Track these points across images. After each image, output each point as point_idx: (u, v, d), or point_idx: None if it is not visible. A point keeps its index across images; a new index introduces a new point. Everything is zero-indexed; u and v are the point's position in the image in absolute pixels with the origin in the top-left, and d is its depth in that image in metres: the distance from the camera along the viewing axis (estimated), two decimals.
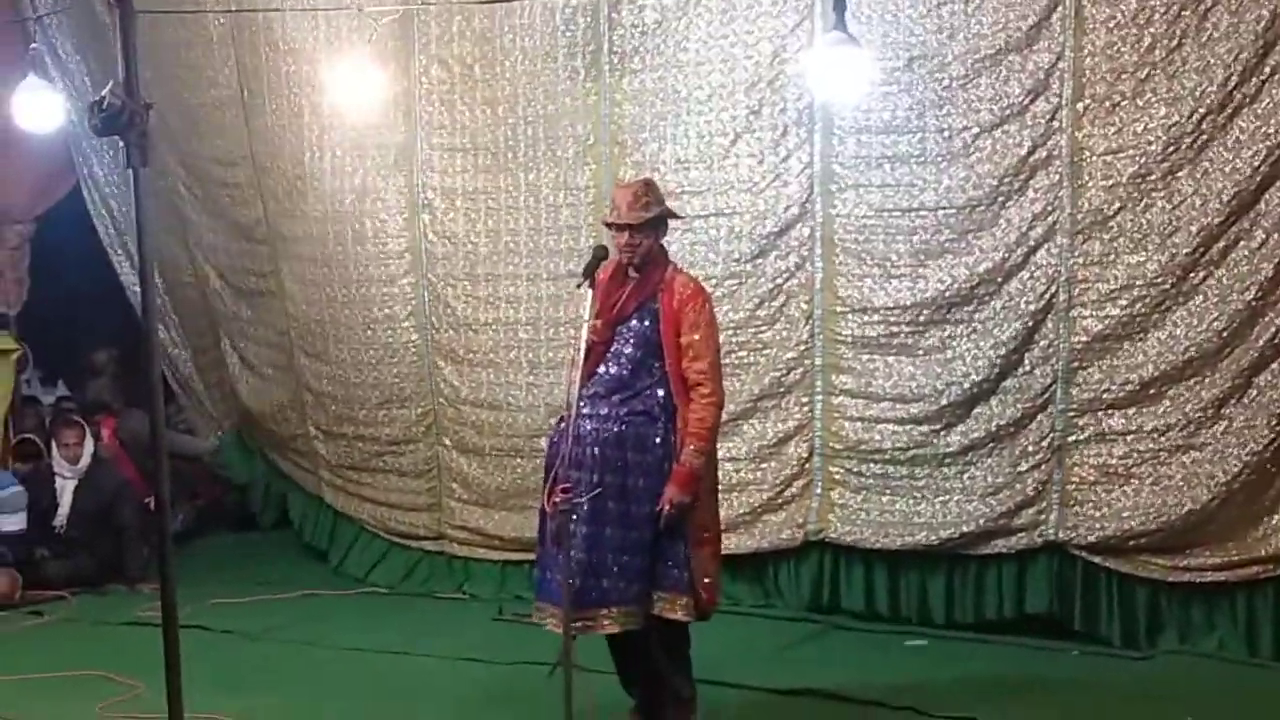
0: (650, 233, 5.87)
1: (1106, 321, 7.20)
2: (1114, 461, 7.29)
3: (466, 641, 7.77)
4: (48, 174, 10.73)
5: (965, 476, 7.60)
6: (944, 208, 7.45)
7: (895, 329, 7.62)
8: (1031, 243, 7.30)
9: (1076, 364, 7.30)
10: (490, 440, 8.80)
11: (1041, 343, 7.36)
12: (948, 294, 7.48)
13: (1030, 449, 7.45)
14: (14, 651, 7.84)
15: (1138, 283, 7.10)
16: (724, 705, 6.52)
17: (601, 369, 5.86)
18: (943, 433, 7.60)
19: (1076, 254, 7.22)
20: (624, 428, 5.77)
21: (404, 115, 8.67)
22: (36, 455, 9.83)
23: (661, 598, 5.79)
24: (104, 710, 6.62)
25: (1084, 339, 7.26)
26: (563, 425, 5.75)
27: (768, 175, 7.80)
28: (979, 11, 7.26)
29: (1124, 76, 7.03)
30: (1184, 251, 6.99)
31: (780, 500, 8.05)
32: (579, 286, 5.79)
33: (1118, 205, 7.11)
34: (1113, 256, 7.16)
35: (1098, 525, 7.33)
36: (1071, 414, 7.35)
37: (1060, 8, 7.11)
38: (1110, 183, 7.12)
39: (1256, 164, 6.83)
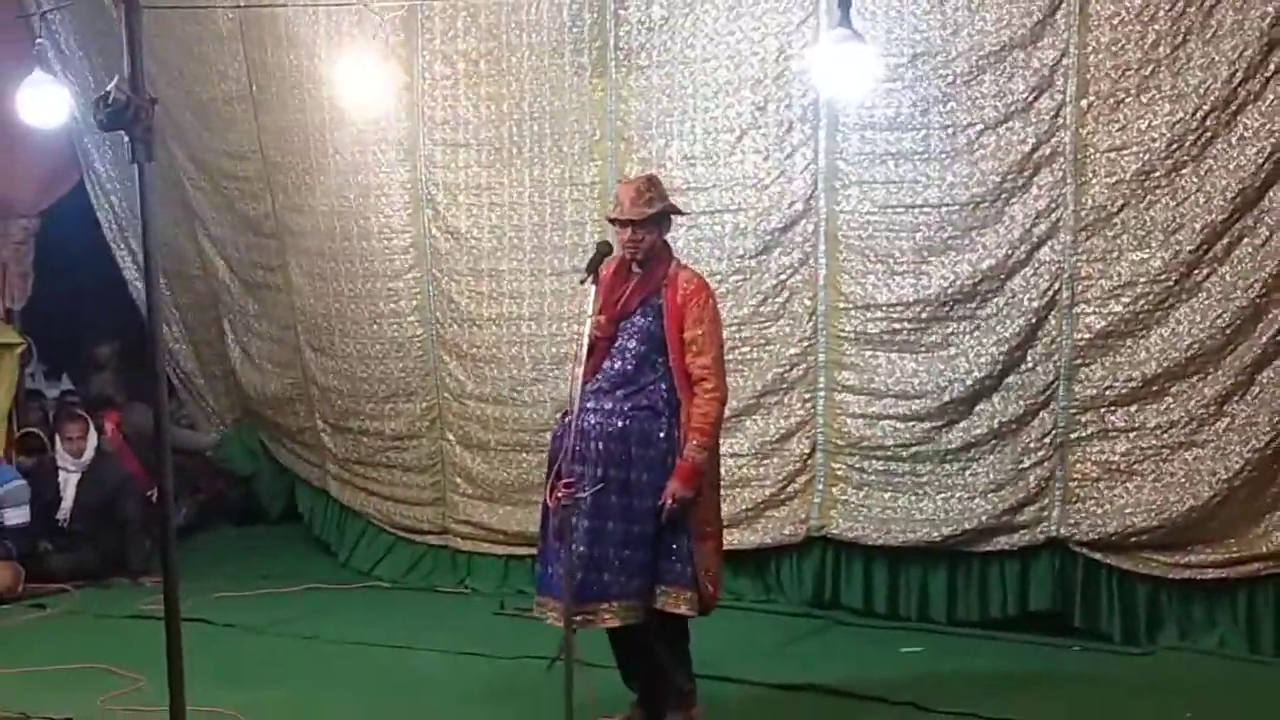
0: (653, 229, 5.87)
1: (1110, 318, 7.19)
2: (1116, 458, 7.29)
3: (468, 635, 7.78)
4: (52, 169, 10.73)
5: (967, 473, 7.60)
6: (948, 204, 7.46)
7: (898, 325, 7.62)
8: (1035, 239, 7.30)
9: (1079, 361, 7.30)
10: (495, 435, 8.82)
11: (1044, 339, 7.36)
12: (951, 291, 7.48)
13: (1033, 446, 7.45)
14: (17, 644, 7.85)
15: (1141, 279, 7.10)
16: (725, 700, 6.52)
17: (606, 364, 5.86)
18: (945, 429, 7.60)
19: (1080, 251, 7.22)
20: (628, 422, 5.78)
21: (407, 111, 8.68)
22: (40, 449, 9.84)
23: (664, 592, 5.79)
24: (106, 703, 6.63)
25: (1087, 336, 7.26)
26: (566, 420, 5.76)
27: (772, 171, 7.81)
28: (983, 8, 7.26)
29: (1128, 73, 7.02)
30: (1188, 248, 6.99)
31: (783, 496, 8.05)
32: (582, 282, 5.80)
33: (1121, 202, 7.11)
34: (1116, 253, 7.16)
35: (1100, 522, 7.33)
36: (1074, 411, 7.35)
37: (1064, 4, 7.11)
38: (1114, 179, 7.11)
39: (1261, 161, 6.82)
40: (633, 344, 5.84)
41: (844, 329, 7.75)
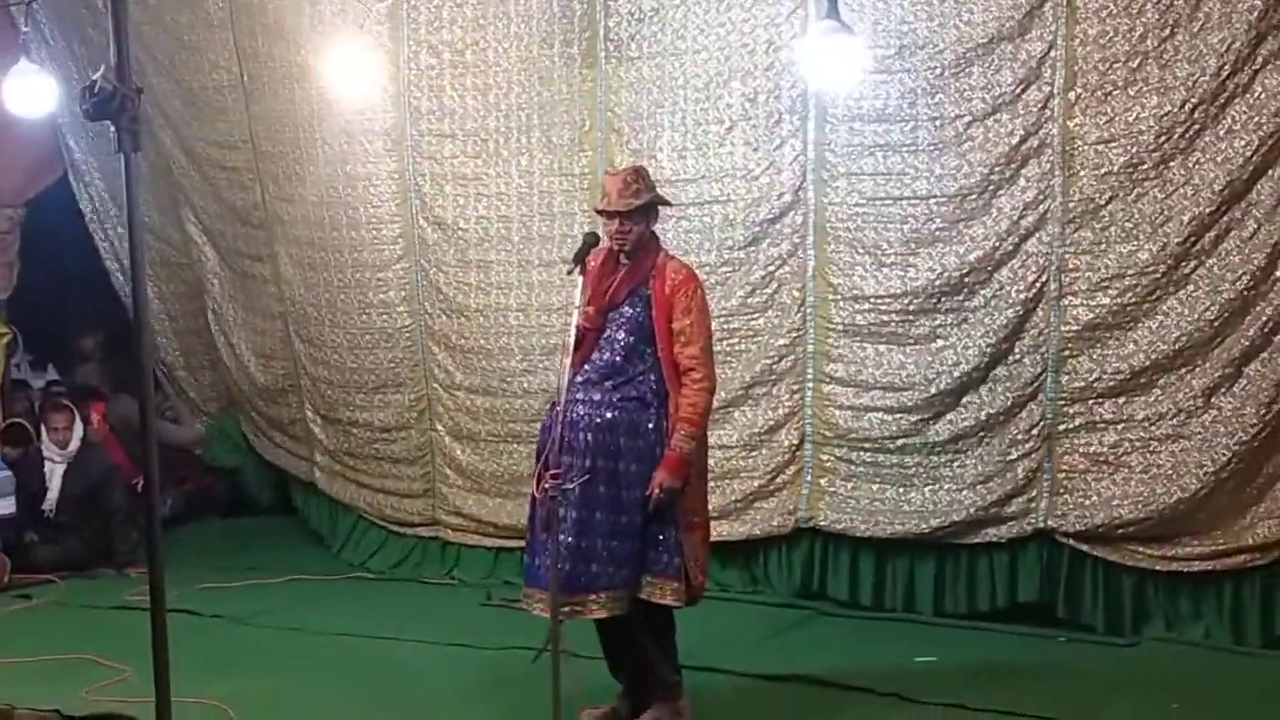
0: (640, 219, 5.87)
1: (1097, 310, 7.20)
2: (1104, 450, 7.30)
3: (455, 627, 7.78)
4: (38, 159, 10.68)
5: (955, 465, 7.61)
6: (935, 196, 7.45)
7: (886, 317, 7.63)
8: (1023, 231, 7.30)
9: (1067, 353, 7.31)
10: (485, 426, 8.81)
11: (1032, 331, 7.36)
12: (938, 282, 7.48)
13: (1020, 437, 7.46)
14: (2, 636, 7.83)
15: (1129, 272, 7.10)
16: (712, 690, 6.54)
17: (594, 355, 5.86)
18: (932, 421, 7.61)
19: (1068, 243, 7.23)
20: (616, 413, 5.78)
21: (394, 101, 8.66)
22: (26, 440, 9.80)
23: (651, 582, 5.80)
24: (91, 694, 6.62)
25: (1075, 328, 7.26)
26: (555, 411, 5.76)
27: (762, 163, 7.80)
28: (971, 0, 7.26)
29: (1116, 65, 7.02)
30: (1175, 241, 7.00)
31: (771, 487, 8.06)
32: (569, 273, 5.81)
33: (1109, 194, 7.11)
34: (1104, 245, 7.16)
35: (1087, 514, 7.34)
36: (1062, 402, 7.36)
37: None
38: (1102, 171, 7.11)
39: (1249, 153, 6.83)
40: (621, 335, 5.84)
41: (832, 320, 7.75)
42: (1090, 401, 7.30)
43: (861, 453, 7.81)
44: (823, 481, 7.94)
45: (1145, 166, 7.02)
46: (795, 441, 7.97)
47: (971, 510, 7.54)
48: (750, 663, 6.97)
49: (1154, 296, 7.08)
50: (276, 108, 9.16)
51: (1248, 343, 6.95)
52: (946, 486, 7.63)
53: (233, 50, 9.26)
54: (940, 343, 7.54)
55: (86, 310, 11.73)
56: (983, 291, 7.42)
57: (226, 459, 11.11)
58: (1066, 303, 7.26)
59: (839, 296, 7.72)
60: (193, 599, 8.12)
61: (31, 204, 10.82)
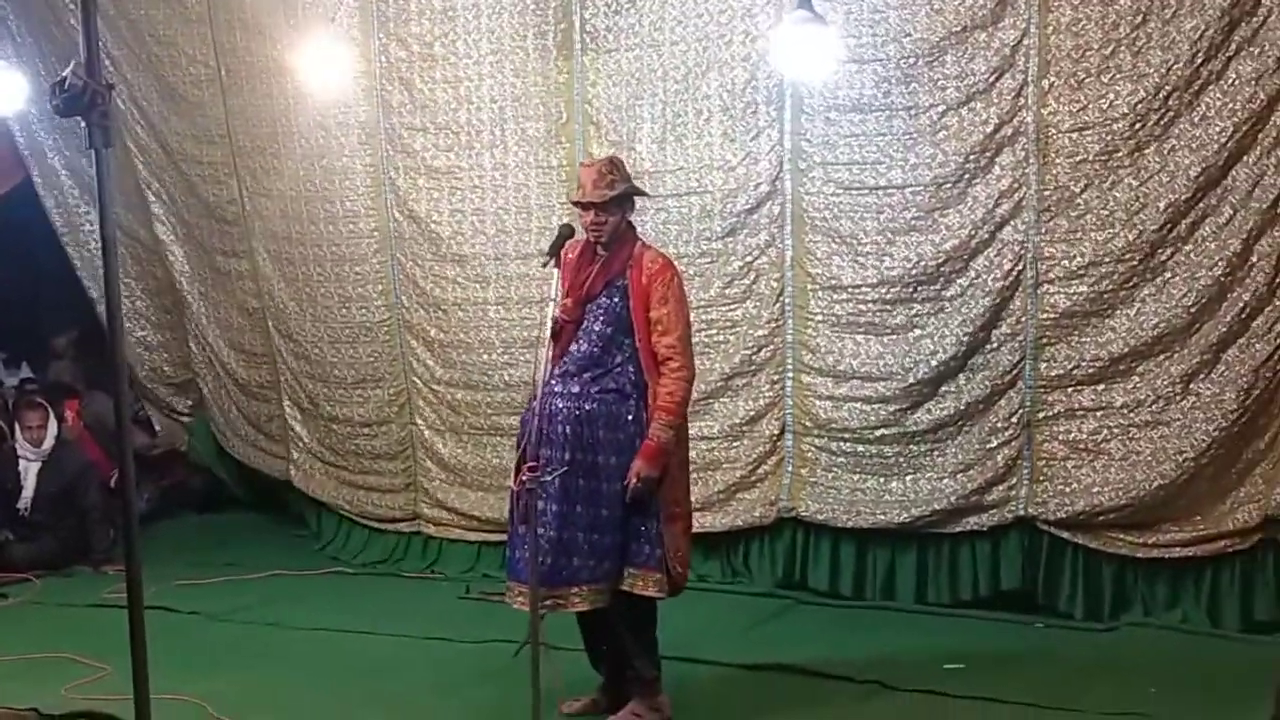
0: (616, 210, 5.86)
1: (1074, 298, 7.22)
2: (1083, 437, 7.33)
3: (435, 620, 7.77)
4: (9, 155, 10.62)
5: (935, 454, 7.63)
6: (911, 185, 7.47)
7: (863, 307, 7.64)
8: (998, 219, 7.31)
9: (1045, 340, 7.32)
10: (468, 419, 8.80)
11: (1009, 319, 7.38)
12: (915, 271, 7.49)
13: (1000, 425, 7.47)
14: None
15: (1105, 259, 7.12)
16: (693, 681, 6.55)
17: (573, 347, 5.85)
18: (912, 411, 7.62)
19: (1043, 231, 7.24)
20: (595, 405, 5.77)
21: (366, 94, 8.64)
22: (0, 438, 9.77)
23: (633, 574, 5.80)
24: (70, 692, 6.59)
25: (1052, 315, 7.28)
26: (533, 404, 5.75)
27: (739, 153, 7.80)
28: None
29: (1089, 53, 7.04)
30: (1151, 228, 7.02)
31: (753, 478, 8.07)
32: (544, 265, 5.80)
33: (1084, 182, 7.13)
34: (1080, 233, 7.18)
35: (1067, 501, 7.37)
36: (1040, 390, 7.37)
37: None
38: (1077, 159, 7.13)
39: (1223, 140, 6.85)
40: (599, 326, 5.83)
41: (811, 311, 7.76)
42: (1069, 389, 7.32)
43: (842, 443, 7.82)
44: (804, 472, 7.95)
45: (1120, 154, 7.04)
46: (776, 432, 7.98)
47: (952, 499, 7.56)
48: (731, 653, 6.98)
49: (1131, 284, 7.11)
50: (254, 102, 9.12)
51: (1225, 329, 6.98)
52: (927, 475, 7.65)
53: (210, 45, 9.21)
54: (917, 332, 7.55)
55: (60, 307, 11.68)
56: (959, 280, 7.43)
57: (201, 458, 11.04)
58: (1043, 291, 7.28)
59: (817, 286, 7.73)
60: (170, 595, 8.07)
61: (2, 200, 10.75)
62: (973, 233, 7.36)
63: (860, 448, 7.77)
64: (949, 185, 7.39)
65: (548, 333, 5.63)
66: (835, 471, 7.87)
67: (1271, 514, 7.03)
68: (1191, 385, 7.08)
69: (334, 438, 9.46)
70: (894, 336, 7.60)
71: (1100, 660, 6.88)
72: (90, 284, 10.75)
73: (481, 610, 7.89)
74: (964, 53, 7.26)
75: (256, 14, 8.84)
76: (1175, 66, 6.87)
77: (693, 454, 6.29)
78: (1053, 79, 7.13)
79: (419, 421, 9.02)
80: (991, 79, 7.23)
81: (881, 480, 7.76)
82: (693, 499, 6.30)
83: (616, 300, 5.82)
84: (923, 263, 7.47)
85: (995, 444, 7.49)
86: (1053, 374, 7.34)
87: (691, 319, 6.08)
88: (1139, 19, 6.92)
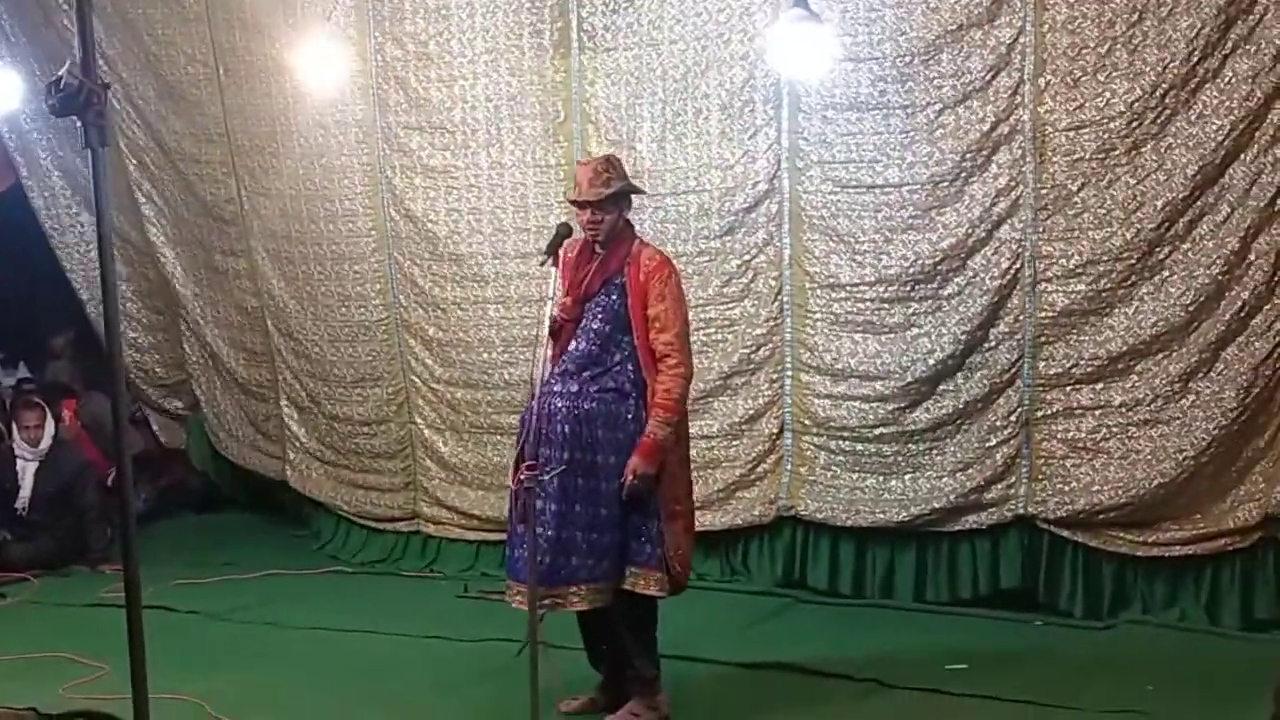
0: (613, 209, 5.85)
1: (1073, 296, 7.22)
2: (1082, 436, 7.33)
3: (433, 619, 7.77)
4: (3, 156, 10.60)
5: (934, 453, 7.63)
6: (908, 184, 7.46)
7: (861, 305, 7.64)
8: (995, 218, 7.31)
9: (1043, 339, 7.32)
10: (468, 418, 8.80)
11: (1007, 318, 7.38)
12: (912, 270, 7.49)
13: (998, 424, 7.47)
14: None
15: (1103, 258, 7.12)
16: (692, 679, 6.55)
17: (572, 346, 5.86)
18: (910, 409, 7.62)
19: (1041, 229, 7.24)
20: (594, 405, 5.77)
21: (363, 93, 8.63)
22: None
23: (634, 573, 5.80)
24: (68, 692, 6.59)
25: (1050, 314, 7.28)
26: (532, 403, 5.75)
27: (737, 152, 7.81)
28: None
29: (1085, 51, 7.04)
30: (1149, 226, 7.01)
31: (752, 477, 8.07)
32: (542, 264, 5.80)
33: (1082, 180, 7.13)
34: (1077, 232, 7.18)
35: (1067, 499, 7.37)
36: (1039, 389, 7.37)
37: None
38: (1074, 157, 7.13)
39: (1220, 138, 6.85)
40: (597, 324, 5.83)
41: (809, 309, 7.76)
42: (1068, 388, 7.32)
43: (841, 441, 7.82)
44: (803, 470, 7.95)
45: (1117, 152, 7.04)
46: (775, 430, 7.98)
47: (951, 498, 7.56)
48: (730, 651, 6.98)
49: (1129, 282, 7.11)
50: (253, 101, 9.11)
51: (1224, 327, 6.98)
52: (926, 474, 7.65)
53: (209, 44, 9.19)
54: (915, 331, 7.55)
55: (56, 308, 11.66)
56: (956, 279, 7.43)
57: (198, 459, 11.02)
58: (1041, 289, 7.28)
59: (815, 285, 7.73)
60: (168, 595, 8.06)
61: None
62: (970, 231, 7.36)
63: (859, 446, 7.77)
64: (946, 184, 7.39)
65: (545, 331, 5.63)
66: (834, 470, 7.87)
67: (1272, 512, 7.03)
68: (1190, 384, 7.08)
69: (334, 436, 9.45)
70: (892, 335, 7.60)
71: (1099, 658, 6.88)
72: (81, 285, 10.74)
73: (480, 609, 7.89)
74: (960, 51, 7.26)
75: (255, 13, 8.83)
76: (1172, 65, 6.87)
77: (692, 453, 6.27)
78: (1049, 77, 7.13)
79: (418, 420, 9.02)
80: (988, 77, 7.23)
81: (881, 479, 7.76)
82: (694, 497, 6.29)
83: (614, 298, 5.82)
84: (920, 261, 7.47)
85: (994, 443, 7.49)
86: (1051, 373, 7.34)
87: (690, 318, 6.08)
88: (1135, 17, 6.91)
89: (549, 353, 5.71)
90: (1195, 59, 6.83)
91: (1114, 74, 6.99)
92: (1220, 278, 6.95)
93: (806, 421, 7.88)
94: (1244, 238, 6.90)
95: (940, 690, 6.37)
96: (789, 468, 7.98)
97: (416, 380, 8.93)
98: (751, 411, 8.00)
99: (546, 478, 5.62)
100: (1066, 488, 7.37)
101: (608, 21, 7.97)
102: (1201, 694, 6.30)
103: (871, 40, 7.42)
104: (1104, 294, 7.16)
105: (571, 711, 6.15)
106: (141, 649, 3.79)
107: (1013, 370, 7.41)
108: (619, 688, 6.10)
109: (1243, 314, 6.96)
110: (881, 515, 7.72)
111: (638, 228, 6.15)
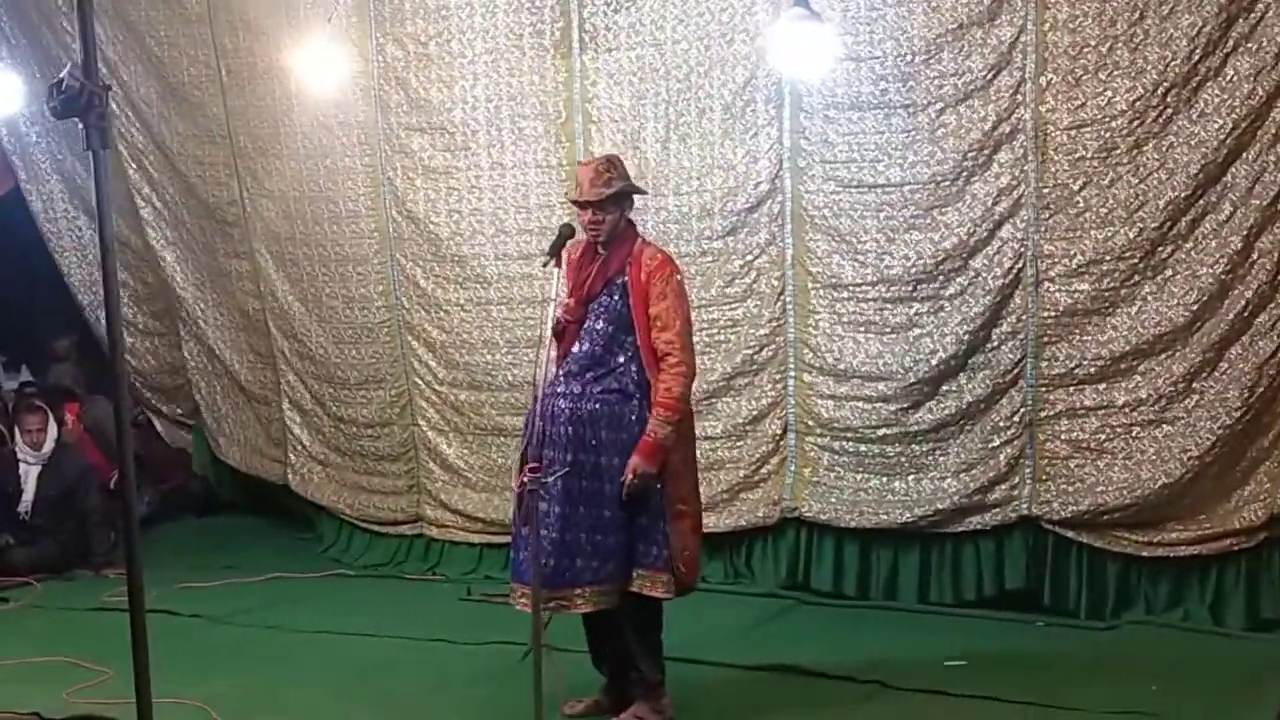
0: (614, 209, 5.85)
1: (1075, 296, 7.21)
2: (1086, 436, 7.32)
3: (437, 622, 7.76)
4: (4, 158, 10.60)
5: (938, 453, 7.62)
6: (910, 183, 7.45)
7: (863, 305, 7.63)
8: (997, 217, 7.30)
9: (1046, 339, 7.31)
10: (472, 420, 8.78)
11: (1010, 318, 7.36)
12: (914, 270, 7.48)
13: (1002, 424, 7.46)
14: None
15: (1106, 257, 7.11)
16: (697, 681, 6.54)
17: (575, 347, 5.87)
18: (913, 410, 7.61)
19: (1043, 228, 7.23)
20: (598, 406, 5.77)
21: (364, 94, 8.62)
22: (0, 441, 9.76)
23: (641, 575, 5.80)
24: (71, 696, 6.58)
25: (1053, 314, 7.27)
26: (535, 405, 5.74)
27: (739, 151, 7.79)
28: None
29: (1086, 50, 7.03)
30: (1151, 226, 7.00)
31: (756, 478, 8.07)
32: (544, 265, 5.78)
33: (1084, 179, 7.12)
34: (1079, 231, 7.16)
35: (1071, 500, 7.35)
36: (1042, 389, 7.36)
37: None
38: (1075, 156, 7.12)
39: (1222, 137, 6.84)
40: (600, 324, 5.83)
41: (812, 309, 7.75)
42: (1071, 388, 7.31)
43: (844, 442, 7.81)
44: (806, 471, 7.94)
45: (1119, 151, 7.03)
46: (778, 431, 7.97)
47: (955, 498, 7.55)
48: (734, 653, 6.98)
49: (1132, 282, 7.10)
50: (255, 103, 9.10)
51: (1227, 326, 6.96)
52: (929, 475, 7.64)
53: (211, 46, 9.19)
54: (918, 331, 7.54)
55: (57, 311, 11.66)
56: (959, 279, 7.42)
57: (201, 464, 11.02)
58: (1044, 289, 7.26)
59: (818, 285, 7.72)
60: (171, 599, 8.08)
61: (0, 203, 10.74)
62: (972, 230, 7.35)
63: (863, 447, 7.77)
64: (948, 183, 7.38)
65: (548, 333, 5.63)
66: (838, 471, 7.86)
67: (1277, 512, 7.02)
68: (1194, 383, 7.07)
69: (340, 438, 9.44)
70: (894, 335, 7.59)
71: (1103, 659, 6.88)
72: (79, 290, 10.74)
73: (483, 612, 7.89)
74: (961, 50, 7.25)
75: (257, 15, 8.82)
76: (1173, 63, 6.86)
77: (696, 454, 6.26)
78: (1050, 76, 7.11)
79: (421, 423, 9.01)
80: (989, 76, 7.22)
81: (884, 480, 7.75)
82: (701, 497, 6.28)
83: (616, 299, 5.82)
84: (922, 261, 7.46)
85: (997, 443, 7.48)
86: (1054, 373, 7.33)
87: (693, 318, 6.07)
88: (1136, 15, 6.90)
89: (553, 354, 5.71)
90: (1197, 57, 6.82)
91: (1115, 72, 6.98)
92: (1223, 277, 6.94)
93: (810, 422, 7.87)
94: (1247, 236, 6.89)
95: (944, 691, 6.36)
96: (792, 469, 7.97)
97: (419, 382, 8.92)
98: (755, 412, 7.99)
99: (550, 480, 5.62)
100: (1070, 488, 7.36)
101: (609, 21, 7.96)
102: (1206, 695, 6.29)
103: (873, 39, 7.41)
104: (1107, 293, 7.15)
105: (575, 714, 6.14)
106: (144, 653, 3.79)
107: (1016, 370, 7.40)
108: (622, 690, 6.10)
109: (1246, 313, 6.95)
110: (885, 516, 7.71)
111: (640, 228, 6.13)
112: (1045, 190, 7.19)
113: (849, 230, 7.60)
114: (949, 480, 7.59)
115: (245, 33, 8.97)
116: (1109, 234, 7.09)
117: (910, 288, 7.51)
